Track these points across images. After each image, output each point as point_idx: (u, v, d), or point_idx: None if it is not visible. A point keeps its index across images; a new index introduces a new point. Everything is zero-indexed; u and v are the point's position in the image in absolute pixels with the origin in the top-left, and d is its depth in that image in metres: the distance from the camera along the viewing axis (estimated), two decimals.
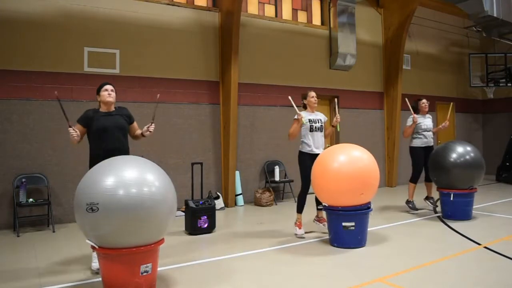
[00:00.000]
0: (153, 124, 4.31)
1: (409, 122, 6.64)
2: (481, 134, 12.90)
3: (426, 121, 6.69)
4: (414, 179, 6.72)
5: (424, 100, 6.79)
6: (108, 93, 4.15)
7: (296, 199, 5.51)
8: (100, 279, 3.51)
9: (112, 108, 4.22)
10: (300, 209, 5.39)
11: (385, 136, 10.51)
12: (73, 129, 3.95)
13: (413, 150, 6.74)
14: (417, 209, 6.70)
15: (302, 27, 9.18)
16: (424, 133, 6.65)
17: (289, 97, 5.34)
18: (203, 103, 7.87)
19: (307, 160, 5.27)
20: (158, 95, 4.82)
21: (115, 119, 4.14)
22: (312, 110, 5.51)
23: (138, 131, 4.39)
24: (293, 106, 5.28)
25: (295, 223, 5.42)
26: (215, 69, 8.00)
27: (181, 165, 7.46)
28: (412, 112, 6.64)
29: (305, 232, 5.41)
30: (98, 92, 4.21)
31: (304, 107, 5.57)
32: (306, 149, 5.34)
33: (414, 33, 10.89)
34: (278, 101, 8.70)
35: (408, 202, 6.80)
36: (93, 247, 3.29)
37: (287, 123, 8.65)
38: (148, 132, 4.30)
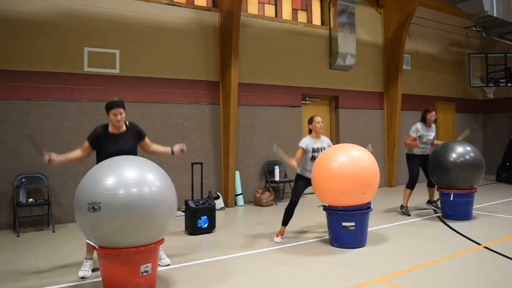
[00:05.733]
0: (183, 144, 4.42)
1: (413, 132, 6.58)
2: (481, 134, 12.90)
3: (429, 134, 6.66)
4: (410, 186, 6.71)
5: (433, 113, 6.69)
6: (117, 120, 4.00)
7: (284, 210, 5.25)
8: (100, 279, 3.51)
9: (123, 128, 4.09)
10: (285, 223, 5.20)
11: (385, 136, 10.50)
12: (48, 156, 3.82)
13: (411, 158, 6.70)
14: (409, 214, 6.68)
15: (302, 27, 9.18)
16: (423, 144, 6.64)
17: (274, 148, 5.21)
18: (203, 103, 7.87)
19: (301, 182, 5.16)
20: (184, 124, 4.69)
21: (123, 144, 4.02)
22: (318, 136, 5.26)
23: (158, 147, 4.35)
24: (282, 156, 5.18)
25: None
26: (215, 69, 8.00)
27: (181, 165, 7.46)
28: (425, 124, 6.64)
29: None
30: (106, 110, 4.03)
31: (309, 131, 5.32)
32: (304, 174, 5.18)
33: (414, 33, 10.89)
34: (278, 101, 8.71)
35: (401, 207, 6.79)
36: (93, 247, 3.29)
37: (287, 123, 8.73)
38: (180, 152, 4.38)
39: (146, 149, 4.34)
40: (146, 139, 4.30)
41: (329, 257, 4.47)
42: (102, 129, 4.07)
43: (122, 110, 4.01)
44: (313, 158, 5.13)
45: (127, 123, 4.16)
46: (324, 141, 5.35)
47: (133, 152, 4.09)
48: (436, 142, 6.87)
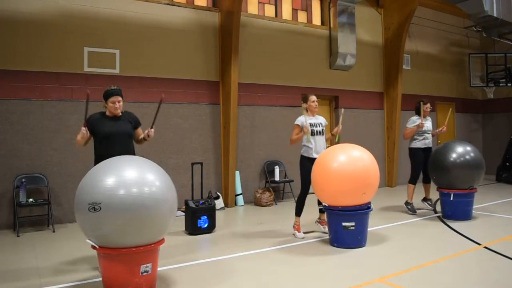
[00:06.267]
0: (152, 129, 4.24)
1: (411, 124, 6.64)
2: (481, 134, 12.90)
3: (427, 123, 6.72)
4: (413, 180, 6.72)
5: (428, 105, 6.80)
6: (115, 107, 4.07)
7: (295, 201, 5.50)
8: (100, 279, 3.51)
9: (119, 113, 4.17)
10: (298, 213, 5.40)
11: (385, 136, 10.50)
12: (86, 130, 3.98)
13: (413, 151, 6.75)
14: (415, 211, 6.69)
15: (302, 27, 9.18)
16: (424, 134, 6.68)
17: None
18: (203, 103, 7.86)
19: (307, 164, 5.20)
20: (163, 95, 4.46)
21: (121, 125, 4.11)
22: (313, 114, 5.46)
23: (141, 136, 4.38)
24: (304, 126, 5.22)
25: (294, 226, 5.41)
26: (215, 69, 8.00)
27: (181, 165, 7.46)
28: (420, 116, 6.64)
29: (305, 232, 5.42)
30: (105, 98, 4.11)
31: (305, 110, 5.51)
32: (307, 154, 5.30)
33: (414, 33, 10.89)
34: (278, 101, 8.71)
35: (407, 203, 6.78)
36: (93, 247, 3.29)
37: (287, 123, 8.70)
38: (147, 137, 4.26)
39: (136, 138, 4.37)
40: (139, 129, 4.35)
41: (329, 257, 4.47)
42: (99, 114, 4.16)
43: (120, 98, 4.11)
44: (313, 133, 5.26)
45: (123, 111, 4.24)
46: (320, 118, 5.50)
47: (130, 134, 4.18)
48: (435, 131, 6.92)
